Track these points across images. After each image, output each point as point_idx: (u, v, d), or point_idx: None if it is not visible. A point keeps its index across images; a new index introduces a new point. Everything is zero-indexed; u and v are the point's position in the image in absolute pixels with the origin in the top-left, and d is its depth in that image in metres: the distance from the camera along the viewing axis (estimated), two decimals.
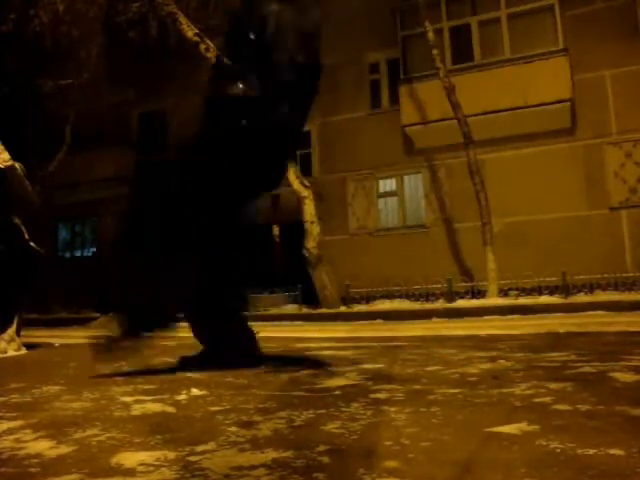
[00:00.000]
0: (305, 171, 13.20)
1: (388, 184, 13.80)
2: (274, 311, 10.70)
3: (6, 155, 3.70)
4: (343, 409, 1.34)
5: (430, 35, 10.97)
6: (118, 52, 13.76)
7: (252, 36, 2.29)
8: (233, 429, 1.19)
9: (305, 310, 10.44)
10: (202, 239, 2.37)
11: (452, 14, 12.76)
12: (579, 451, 0.92)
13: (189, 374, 2.12)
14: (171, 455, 1.00)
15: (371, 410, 1.32)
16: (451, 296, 10.16)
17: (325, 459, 0.94)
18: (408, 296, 11.37)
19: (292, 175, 10.99)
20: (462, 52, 12.40)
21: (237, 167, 2.28)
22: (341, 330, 5.65)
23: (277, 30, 2.28)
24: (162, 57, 14.76)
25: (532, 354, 2.26)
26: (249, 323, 2.55)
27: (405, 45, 13.10)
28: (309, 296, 10.91)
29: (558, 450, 0.93)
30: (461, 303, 9.42)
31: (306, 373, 2.02)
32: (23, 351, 3.59)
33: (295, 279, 11.39)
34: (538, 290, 10.20)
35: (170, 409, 1.44)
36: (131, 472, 0.92)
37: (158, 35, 12.36)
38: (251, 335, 2.51)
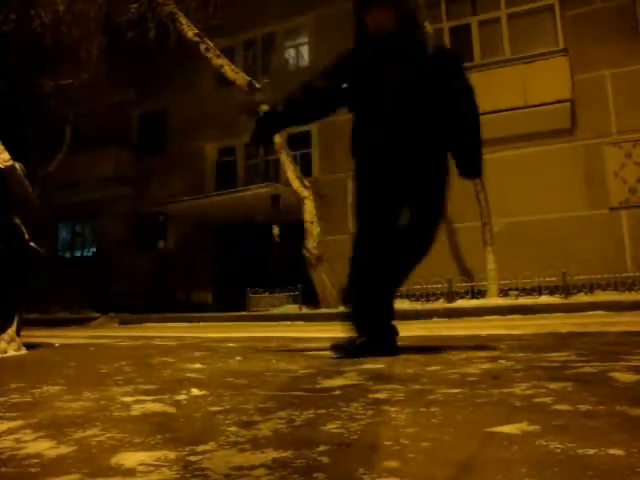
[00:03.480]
0: (305, 171, 13.20)
1: None
2: (274, 311, 10.70)
3: (6, 155, 3.70)
4: (343, 409, 1.34)
5: None
6: (118, 52, 13.76)
7: None
8: (233, 429, 1.19)
9: (305, 310, 10.44)
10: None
11: (452, 14, 12.77)
12: (579, 451, 0.92)
13: (189, 374, 2.12)
14: (171, 455, 1.00)
15: (371, 410, 1.32)
16: (451, 296, 10.17)
17: (325, 459, 0.94)
18: (408, 296, 11.37)
19: (292, 175, 10.99)
20: (462, 52, 12.39)
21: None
22: (341, 330, 5.65)
23: None
24: (162, 57, 14.78)
25: (532, 354, 2.26)
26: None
27: None
28: (309, 296, 10.91)
29: (558, 450, 0.93)
30: (461, 303, 9.43)
31: (306, 373, 2.02)
32: (23, 351, 3.59)
33: (295, 279, 11.39)
34: (538, 290, 10.20)
35: (170, 409, 1.44)
36: (131, 472, 0.92)
37: (158, 35, 12.36)
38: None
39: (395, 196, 2.51)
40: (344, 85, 2.64)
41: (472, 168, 2.62)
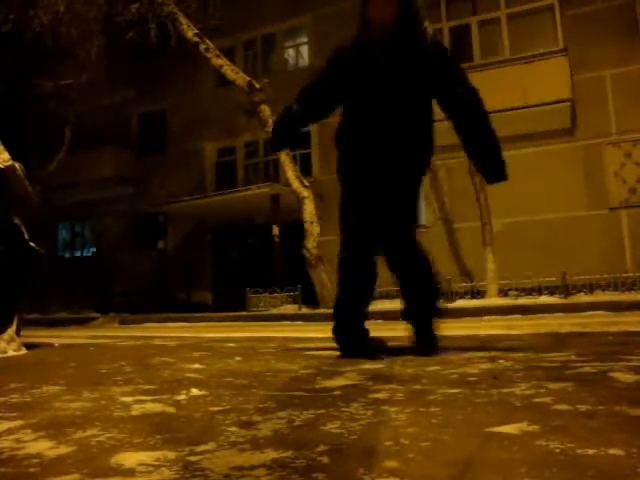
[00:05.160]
0: (305, 171, 13.20)
1: None
2: (274, 311, 10.69)
3: (6, 155, 3.70)
4: (343, 409, 1.34)
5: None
6: (118, 52, 13.76)
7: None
8: (233, 429, 1.19)
9: (305, 310, 10.44)
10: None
11: (452, 14, 12.76)
12: (579, 451, 0.92)
13: (189, 374, 2.12)
14: (171, 455, 1.00)
15: (371, 410, 1.32)
16: (451, 296, 10.16)
17: (325, 459, 0.94)
18: None
19: (292, 175, 10.99)
20: (462, 52, 12.40)
21: None
22: None
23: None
24: (162, 57, 14.77)
25: (532, 354, 2.26)
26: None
27: None
28: (309, 296, 10.90)
29: (558, 450, 0.93)
30: (461, 303, 9.42)
31: (306, 373, 2.02)
32: (23, 351, 3.59)
33: (295, 279, 11.39)
34: (538, 290, 10.19)
35: (170, 409, 1.44)
36: (131, 472, 0.92)
37: (158, 35, 12.35)
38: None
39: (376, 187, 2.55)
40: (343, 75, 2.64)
41: (497, 173, 2.67)
